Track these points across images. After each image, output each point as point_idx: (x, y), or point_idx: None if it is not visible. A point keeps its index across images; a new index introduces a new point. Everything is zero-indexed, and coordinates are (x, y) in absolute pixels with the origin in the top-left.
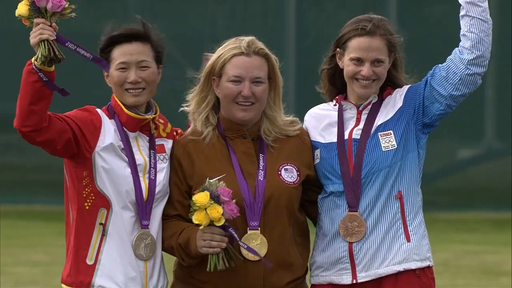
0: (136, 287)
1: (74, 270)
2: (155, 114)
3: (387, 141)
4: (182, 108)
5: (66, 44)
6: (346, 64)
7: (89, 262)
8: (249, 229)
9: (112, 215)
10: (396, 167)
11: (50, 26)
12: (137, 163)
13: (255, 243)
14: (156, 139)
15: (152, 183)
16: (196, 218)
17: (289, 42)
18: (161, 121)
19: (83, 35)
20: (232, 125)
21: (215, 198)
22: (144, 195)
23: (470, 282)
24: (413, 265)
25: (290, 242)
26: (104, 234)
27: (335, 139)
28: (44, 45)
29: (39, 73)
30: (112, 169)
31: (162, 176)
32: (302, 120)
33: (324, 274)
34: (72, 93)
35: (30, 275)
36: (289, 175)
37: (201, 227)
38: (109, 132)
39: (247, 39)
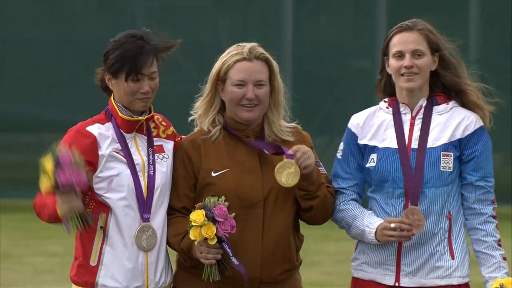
0: (137, 281)
1: (80, 270)
2: (149, 115)
3: (447, 162)
4: (191, 117)
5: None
6: (391, 63)
7: (93, 263)
8: (285, 158)
9: (111, 217)
10: (448, 189)
11: (76, 197)
12: (136, 162)
13: (289, 171)
14: (154, 139)
15: (151, 179)
16: (191, 234)
17: (286, 49)
18: (164, 123)
19: (92, 42)
20: (236, 125)
21: (210, 218)
22: (144, 192)
23: None
24: (455, 281)
25: (290, 232)
26: (105, 236)
27: (393, 145)
28: (76, 216)
29: (62, 225)
30: (111, 175)
31: (160, 175)
32: (300, 124)
33: (369, 271)
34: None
35: (47, 265)
36: None
37: (196, 242)
38: (104, 142)
39: (248, 45)
